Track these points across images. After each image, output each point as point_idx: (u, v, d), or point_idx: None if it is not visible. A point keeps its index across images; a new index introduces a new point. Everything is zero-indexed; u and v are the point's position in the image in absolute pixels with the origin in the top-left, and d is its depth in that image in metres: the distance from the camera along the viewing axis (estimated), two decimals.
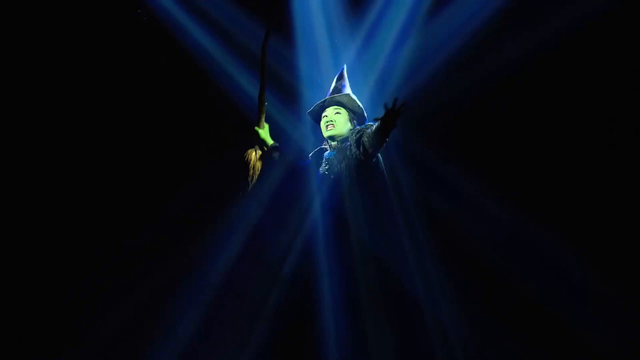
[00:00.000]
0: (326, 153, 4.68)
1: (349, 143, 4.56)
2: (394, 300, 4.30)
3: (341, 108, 4.67)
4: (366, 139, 4.39)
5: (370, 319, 4.27)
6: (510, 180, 5.17)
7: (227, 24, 5.78)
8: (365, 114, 4.71)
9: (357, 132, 4.55)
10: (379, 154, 4.53)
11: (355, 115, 4.71)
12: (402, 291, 4.34)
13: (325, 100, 4.68)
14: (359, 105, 4.68)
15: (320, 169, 4.65)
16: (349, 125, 4.65)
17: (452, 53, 5.38)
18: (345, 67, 4.79)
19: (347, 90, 4.69)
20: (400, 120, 4.19)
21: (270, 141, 4.69)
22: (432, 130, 5.40)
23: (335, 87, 4.75)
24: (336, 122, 4.63)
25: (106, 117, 5.73)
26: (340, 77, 4.75)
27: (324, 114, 4.70)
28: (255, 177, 4.58)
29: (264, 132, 4.67)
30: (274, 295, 4.91)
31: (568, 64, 5.12)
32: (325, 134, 4.67)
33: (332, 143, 4.67)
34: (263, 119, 4.65)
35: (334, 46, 5.59)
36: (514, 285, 5.00)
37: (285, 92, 5.51)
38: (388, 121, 4.08)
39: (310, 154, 4.80)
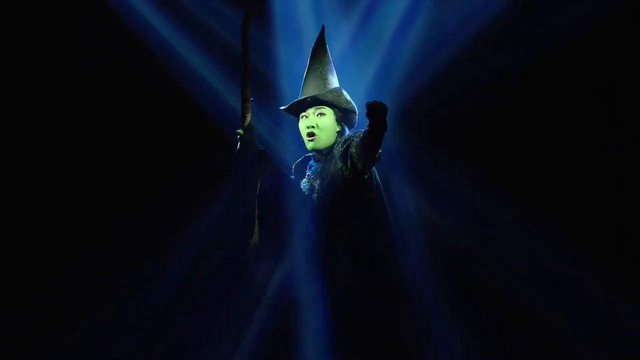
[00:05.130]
0: (311, 162, 4.09)
1: (334, 155, 3.94)
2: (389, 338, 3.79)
3: (325, 108, 3.97)
4: (354, 150, 3.77)
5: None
6: (523, 190, 4.99)
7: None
8: (357, 110, 4.03)
9: (344, 142, 3.92)
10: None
11: (344, 113, 4.02)
12: (400, 329, 3.82)
13: (302, 100, 4.01)
14: (348, 100, 3.98)
15: (302, 184, 4.03)
16: (336, 128, 3.99)
17: (467, 42, 5.04)
18: (323, 29, 4.10)
19: (331, 78, 4.03)
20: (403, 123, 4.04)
21: (258, 147, 3.99)
22: (440, 133, 5.12)
23: (313, 70, 4.05)
24: (320, 129, 3.96)
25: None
26: (320, 50, 4.06)
27: (303, 114, 4.02)
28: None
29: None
30: (252, 335, 4.44)
31: (585, 61, 4.96)
32: (308, 145, 4.02)
33: (316, 155, 4.05)
34: (249, 118, 3.91)
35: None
36: (522, 307, 4.89)
37: (261, 87, 4.93)
38: (374, 121, 3.51)
39: (294, 165, 4.18)
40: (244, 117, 3.91)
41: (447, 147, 5.04)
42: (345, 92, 3.96)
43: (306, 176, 4.03)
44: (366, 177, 3.84)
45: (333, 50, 4.25)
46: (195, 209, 5.11)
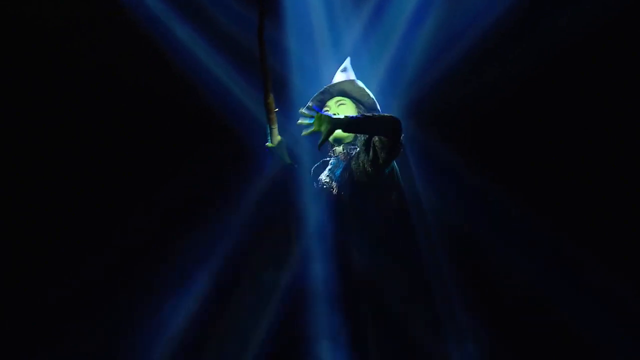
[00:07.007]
0: (331, 160, 4.03)
1: (356, 148, 3.91)
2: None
3: (346, 99, 3.97)
4: (377, 139, 3.74)
5: None
6: (534, 187, 4.96)
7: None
8: (378, 106, 4.02)
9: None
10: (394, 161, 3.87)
11: (365, 107, 4.01)
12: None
13: (324, 91, 3.98)
14: (368, 94, 3.98)
15: (321, 178, 3.98)
16: None
17: (479, 38, 4.98)
18: (348, 60, 4.12)
19: (352, 77, 4.05)
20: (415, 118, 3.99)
21: (287, 160, 3.95)
22: (452, 129, 5.05)
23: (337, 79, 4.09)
24: None
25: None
26: (343, 70, 4.10)
27: (324, 109, 3.99)
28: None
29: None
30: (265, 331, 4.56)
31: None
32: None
33: (337, 148, 3.99)
34: (276, 131, 3.83)
35: (333, 24, 5.05)
36: (537, 306, 4.82)
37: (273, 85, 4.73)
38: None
39: (312, 168, 4.12)
40: (271, 129, 3.82)
41: (460, 142, 5.02)
42: (362, 84, 3.96)
43: (326, 170, 4.00)
44: (387, 171, 3.81)
45: (345, 46, 4.41)
46: (216, 211, 5.03)
